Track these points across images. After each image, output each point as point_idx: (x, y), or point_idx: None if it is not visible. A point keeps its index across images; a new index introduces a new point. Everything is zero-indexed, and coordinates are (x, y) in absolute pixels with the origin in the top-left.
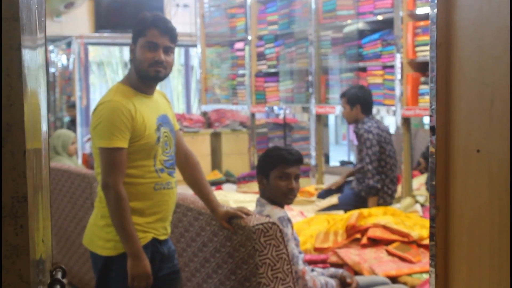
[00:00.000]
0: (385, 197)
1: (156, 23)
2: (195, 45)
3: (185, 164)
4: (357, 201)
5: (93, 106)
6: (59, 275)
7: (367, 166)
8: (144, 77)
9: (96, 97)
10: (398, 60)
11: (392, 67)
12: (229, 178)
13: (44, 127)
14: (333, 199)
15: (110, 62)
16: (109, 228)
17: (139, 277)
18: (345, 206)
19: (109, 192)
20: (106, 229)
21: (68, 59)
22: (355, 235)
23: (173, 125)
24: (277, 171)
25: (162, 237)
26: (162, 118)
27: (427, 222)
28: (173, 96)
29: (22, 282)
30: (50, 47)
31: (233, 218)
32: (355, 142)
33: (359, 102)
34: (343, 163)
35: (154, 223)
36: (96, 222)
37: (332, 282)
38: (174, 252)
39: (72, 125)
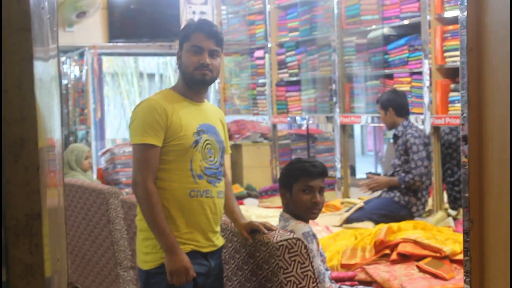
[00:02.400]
0: (418, 205)
1: (201, 27)
2: None
3: None
4: (393, 208)
5: (107, 118)
6: None
7: (413, 170)
8: (190, 82)
9: (110, 109)
10: (426, 67)
11: (420, 73)
12: (251, 192)
13: (58, 141)
14: (358, 204)
15: (125, 72)
16: (147, 242)
17: (177, 272)
18: (376, 211)
19: (137, 188)
20: (145, 243)
21: (81, 71)
22: (384, 251)
23: (223, 140)
24: (301, 184)
25: (205, 249)
26: (206, 126)
27: (460, 237)
28: None
29: None
30: (63, 58)
31: (255, 232)
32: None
33: (391, 105)
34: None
35: (193, 234)
36: (138, 237)
37: None
38: (222, 270)
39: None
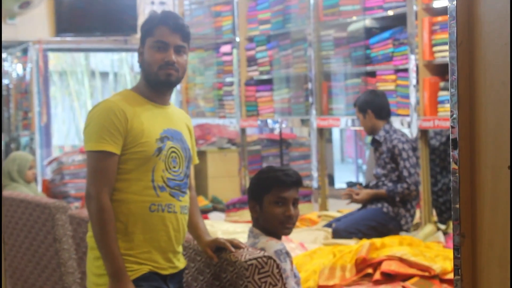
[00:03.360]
0: (407, 217)
1: (165, 20)
2: None
3: None
4: (382, 220)
5: (54, 123)
6: None
7: (408, 179)
8: (154, 82)
9: (58, 113)
10: (412, 63)
11: (405, 70)
12: (217, 205)
13: None
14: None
15: (75, 71)
16: (100, 262)
17: None
18: (364, 222)
19: (90, 202)
20: (97, 263)
21: (24, 69)
22: (366, 270)
23: (189, 147)
24: (272, 195)
25: (165, 272)
26: (171, 132)
27: (451, 253)
28: None
29: None
30: (4, 55)
31: (221, 250)
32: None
33: (370, 107)
34: (350, 185)
35: (151, 254)
36: (88, 256)
37: None
38: None
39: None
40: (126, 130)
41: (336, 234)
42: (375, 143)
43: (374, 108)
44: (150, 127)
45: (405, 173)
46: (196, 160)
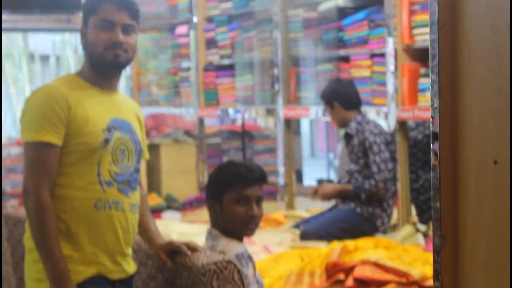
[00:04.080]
0: (383, 218)
1: None
2: None
3: None
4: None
5: None
6: None
7: (376, 176)
8: (100, 65)
9: None
10: (390, 47)
11: (382, 55)
12: (171, 204)
13: None
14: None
15: (11, 53)
16: (40, 265)
17: None
18: (336, 224)
19: (27, 198)
20: (36, 266)
21: None
22: (337, 276)
23: (140, 140)
24: (233, 193)
25: (113, 276)
26: (119, 121)
27: (431, 257)
28: None
29: None
30: None
31: (175, 254)
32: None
33: (336, 98)
34: (320, 182)
35: (98, 256)
36: (27, 259)
37: None
38: None
39: None
40: (69, 119)
41: (305, 237)
42: (347, 137)
43: (341, 99)
44: (95, 116)
45: (374, 168)
46: (146, 156)
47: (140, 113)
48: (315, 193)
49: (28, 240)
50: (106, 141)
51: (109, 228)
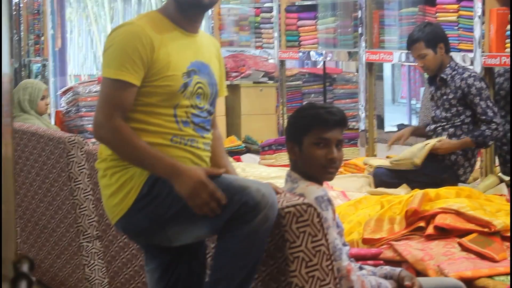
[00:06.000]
0: (466, 167)
1: None
2: None
3: None
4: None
5: (70, 49)
6: (25, 268)
7: (495, 119)
8: (185, 4)
9: (74, 37)
10: None
11: None
12: (250, 147)
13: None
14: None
15: None
16: (115, 199)
17: (195, 192)
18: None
19: (100, 130)
20: (111, 201)
21: None
22: (417, 223)
23: (217, 82)
24: (313, 136)
25: None
26: (199, 64)
27: None
28: None
29: None
30: None
31: None
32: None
33: (442, 39)
34: (401, 128)
35: None
36: (103, 194)
37: (387, 284)
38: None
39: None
40: (151, 60)
41: (377, 180)
42: (440, 82)
43: (446, 41)
44: (177, 60)
45: (490, 113)
46: (225, 92)
47: (219, 51)
48: (397, 139)
49: (102, 179)
50: (185, 85)
51: (183, 162)
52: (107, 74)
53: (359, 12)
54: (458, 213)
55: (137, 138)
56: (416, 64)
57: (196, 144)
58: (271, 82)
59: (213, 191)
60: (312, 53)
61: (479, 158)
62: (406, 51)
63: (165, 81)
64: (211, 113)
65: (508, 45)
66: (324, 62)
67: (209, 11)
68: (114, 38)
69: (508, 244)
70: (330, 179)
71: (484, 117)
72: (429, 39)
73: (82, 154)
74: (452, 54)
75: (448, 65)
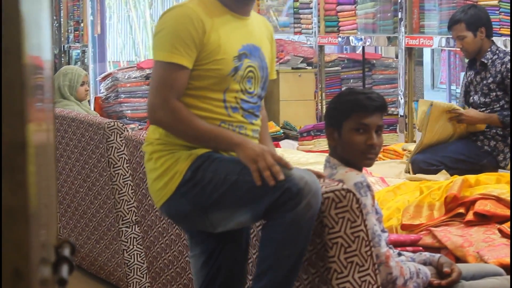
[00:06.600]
0: (505, 153)
1: None
2: None
3: None
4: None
5: (109, 35)
6: (66, 252)
7: None
8: None
9: (113, 24)
10: None
11: None
12: (289, 132)
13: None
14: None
15: None
16: (159, 182)
17: (260, 155)
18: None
19: (157, 112)
20: (156, 184)
21: None
22: (457, 209)
23: (268, 66)
24: (353, 121)
25: None
26: (250, 48)
27: None
28: None
29: (20, 257)
30: None
31: None
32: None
33: (484, 24)
34: None
35: None
36: (148, 178)
37: (426, 270)
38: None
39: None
40: (202, 43)
41: (415, 166)
42: (480, 67)
43: (488, 25)
44: (228, 43)
45: None
46: (274, 75)
47: (271, 33)
48: (458, 116)
49: (147, 162)
50: (236, 69)
51: None
52: (160, 57)
53: None
54: (498, 199)
55: (196, 117)
56: (456, 48)
57: (245, 131)
58: (310, 67)
59: (279, 156)
60: (351, 38)
61: None
62: (446, 36)
63: (215, 64)
64: (262, 97)
65: None
66: (363, 47)
67: None
68: (166, 21)
69: None
70: (369, 165)
71: (501, 104)
72: (471, 22)
73: (121, 140)
74: (493, 38)
75: (489, 49)
